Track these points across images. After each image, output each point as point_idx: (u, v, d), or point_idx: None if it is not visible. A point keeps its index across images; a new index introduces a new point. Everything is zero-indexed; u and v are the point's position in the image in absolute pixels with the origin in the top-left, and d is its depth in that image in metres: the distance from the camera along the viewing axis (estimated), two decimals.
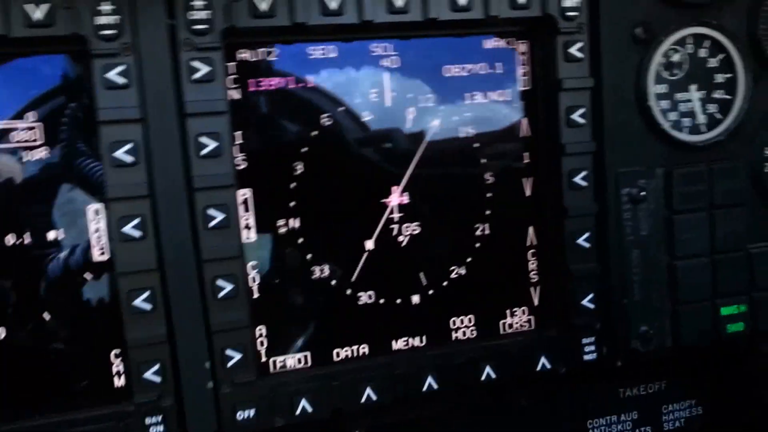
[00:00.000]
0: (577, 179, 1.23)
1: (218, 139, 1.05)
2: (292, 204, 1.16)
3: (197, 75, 1.03)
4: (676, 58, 1.26)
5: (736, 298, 1.30)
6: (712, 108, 1.29)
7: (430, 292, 1.24)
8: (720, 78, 1.28)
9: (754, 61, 1.29)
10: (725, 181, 1.27)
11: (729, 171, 1.27)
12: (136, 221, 1.02)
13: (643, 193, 1.24)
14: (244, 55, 1.12)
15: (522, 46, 1.25)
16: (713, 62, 1.28)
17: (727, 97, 1.29)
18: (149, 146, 1.03)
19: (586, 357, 1.25)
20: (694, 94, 1.27)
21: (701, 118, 1.28)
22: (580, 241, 1.24)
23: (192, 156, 1.05)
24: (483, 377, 1.20)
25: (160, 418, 1.04)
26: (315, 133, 1.16)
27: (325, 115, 1.16)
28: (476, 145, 1.25)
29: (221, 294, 1.06)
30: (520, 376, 1.23)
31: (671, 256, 1.26)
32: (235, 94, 1.11)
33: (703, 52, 1.27)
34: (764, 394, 1.34)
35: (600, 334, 1.26)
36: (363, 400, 1.14)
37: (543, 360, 1.23)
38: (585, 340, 1.25)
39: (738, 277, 1.29)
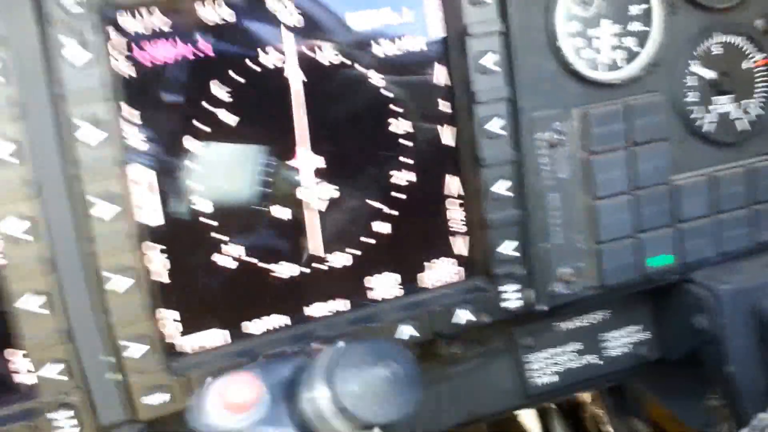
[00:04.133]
0: (491, 127, 1.21)
1: (101, 122, 1.01)
2: (197, 183, 1.13)
3: (70, 55, 0.99)
4: None
5: (662, 231, 1.30)
6: (629, 42, 1.24)
7: (351, 254, 1.23)
8: (635, 10, 1.23)
9: None
10: (645, 117, 1.24)
11: (648, 106, 1.24)
12: (25, 225, 0.99)
13: (559, 137, 1.22)
14: (129, 24, 1.06)
15: None
16: None
17: (644, 29, 1.24)
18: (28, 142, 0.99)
19: (511, 305, 1.26)
20: (608, 28, 1.23)
21: (617, 54, 1.24)
22: (498, 189, 1.23)
23: (73, 143, 1.01)
24: (406, 337, 1.21)
25: (71, 413, 1.05)
26: (215, 104, 1.12)
27: (225, 82, 1.12)
28: (390, 96, 1.21)
29: (120, 288, 1.04)
30: (442, 331, 1.24)
31: (592, 197, 1.25)
32: (124, 69, 1.06)
33: None
34: (699, 321, 1.35)
35: (523, 281, 1.26)
36: None
37: (467, 313, 1.24)
38: (508, 288, 1.25)
39: (662, 210, 1.29)
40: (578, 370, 1.48)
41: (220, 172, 1.15)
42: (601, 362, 1.49)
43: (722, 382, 1.35)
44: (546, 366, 1.47)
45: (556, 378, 1.48)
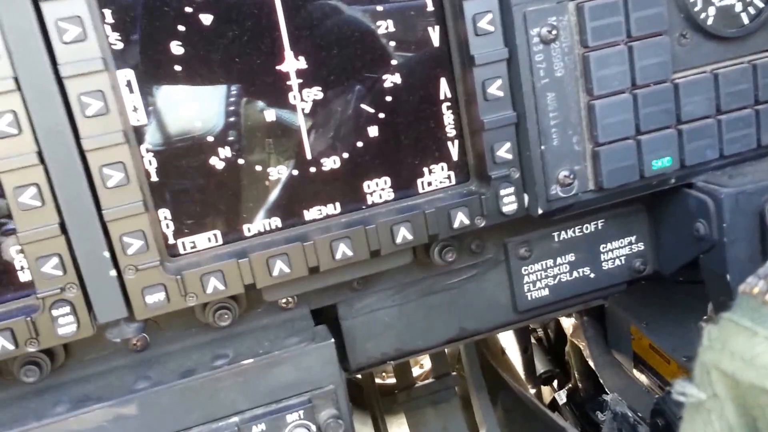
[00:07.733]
0: (482, 24, 1.16)
1: (81, 21, 0.99)
2: (180, 84, 1.10)
3: None
4: None
5: (662, 132, 1.25)
6: None
7: (339, 157, 1.21)
8: None
9: None
10: (644, 9, 1.19)
11: None
12: (8, 118, 0.98)
13: (554, 32, 1.17)
14: None
15: None
16: None
17: None
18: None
19: (506, 209, 1.23)
20: None
21: None
22: (492, 89, 1.19)
23: (55, 43, 0.99)
24: (399, 239, 1.19)
25: (68, 309, 1.06)
26: (194, 5, 1.08)
27: None
28: None
29: (110, 183, 1.04)
30: (437, 234, 1.21)
31: (589, 96, 1.21)
32: None
33: None
34: (699, 228, 1.32)
35: (519, 184, 1.23)
36: (275, 273, 1.14)
37: (461, 216, 1.21)
38: (504, 192, 1.23)
39: (663, 110, 1.24)
40: (570, 283, 1.46)
41: (202, 73, 1.11)
42: (594, 275, 1.47)
43: (720, 295, 1.32)
44: (538, 279, 1.45)
45: (547, 292, 1.46)
